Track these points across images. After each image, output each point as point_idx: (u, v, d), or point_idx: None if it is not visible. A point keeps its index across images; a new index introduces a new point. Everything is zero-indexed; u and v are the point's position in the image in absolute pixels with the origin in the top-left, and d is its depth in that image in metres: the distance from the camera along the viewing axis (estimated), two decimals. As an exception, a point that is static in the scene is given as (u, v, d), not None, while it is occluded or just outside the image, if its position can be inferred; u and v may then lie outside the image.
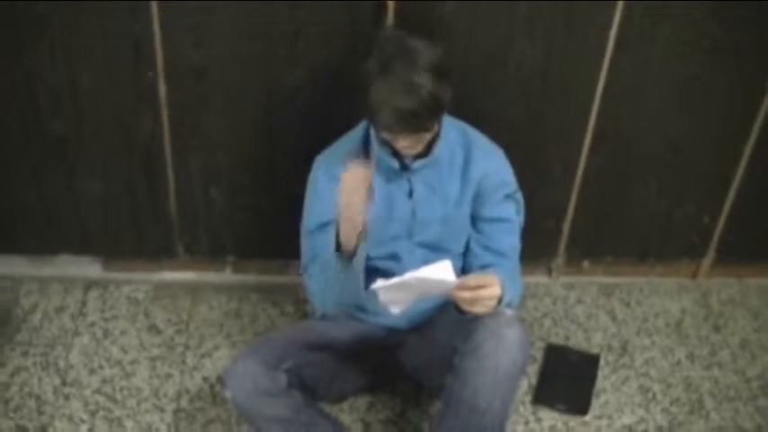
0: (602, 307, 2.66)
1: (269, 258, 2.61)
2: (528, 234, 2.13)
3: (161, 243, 2.55)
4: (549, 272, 2.72)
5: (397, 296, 1.83)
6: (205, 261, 2.61)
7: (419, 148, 1.91)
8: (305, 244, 2.06)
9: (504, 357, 1.85)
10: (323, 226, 2.00)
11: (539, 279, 2.70)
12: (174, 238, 2.54)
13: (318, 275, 1.99)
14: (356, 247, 1.82)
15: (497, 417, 1.89)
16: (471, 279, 1.81)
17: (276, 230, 2.48)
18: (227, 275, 2.63)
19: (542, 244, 2.63)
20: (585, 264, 2.71)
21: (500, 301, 1.84)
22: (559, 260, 2.69)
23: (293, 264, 2.57)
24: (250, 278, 2.63)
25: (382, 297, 1.82)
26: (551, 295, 2.69)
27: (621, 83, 2.32)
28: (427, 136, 1.89)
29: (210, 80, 2.26)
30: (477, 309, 1.81)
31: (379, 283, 1.77)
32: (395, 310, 1.86)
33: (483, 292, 1.80)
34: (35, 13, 2.13)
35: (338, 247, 1.85)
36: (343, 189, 1.76)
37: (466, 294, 1.79)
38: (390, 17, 2.17)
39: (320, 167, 2.05)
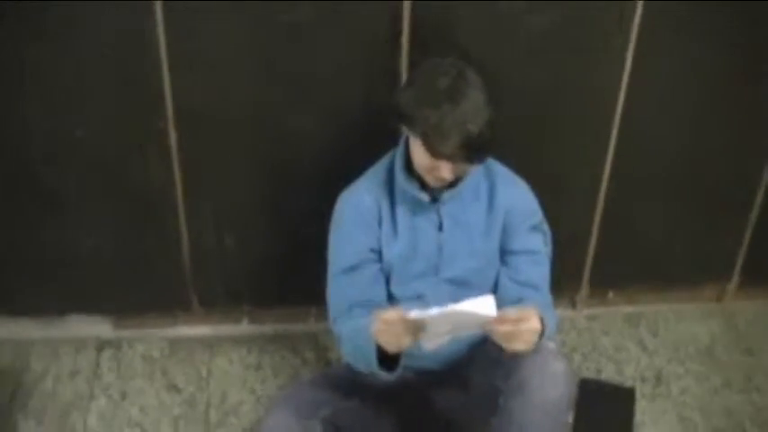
0: (631, 337, 2.60)
1: (286, 306, 2.53)
2: (552, 267, 2.06)
3: (175, 296, 2.47)
4: (574, 304, 2.66)
5: (432, 330, 1.75)
6: (221, 313, 2.53)
7: (455, 178, 1.86)
8: (334, 290, 1.99)
9: (551, 393, 1.79)
10: (352, 269, 1.94)
11: (563, 312, 2.63)
12: (189, 290, 2.46)
13: (350, 334, 1.91)
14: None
15: (549, 456, 1.82)
16: (510, 313, 1.73)
17: (293, 277, 2.44)
18: (244, 327, 2.55)
19: (565, 276, 2.56)
20: (610, 294, 2.66)
21: (540, 335, 1.77)
22: (583, 292, 2.64)
23: (312, 311, 2.53)
24: (268, 328, 2.55)
25: None
26: (576, 328, 2.63)
27: (642, 99, 2.29)
28: (470, 168, 1.86)
29: (222, 124, 2.21)
30: (517, 345, 1.72)
31: (416, 313, 1.69)
32: (427, 345, 1.77)
33: (522, 327, 1.72)
34: (38, 57, 2.07)
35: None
36: (382, 335, 1.72)
37: (506, 328, 1.71)
38: (406, 44, 2.13)
39: (346, 205, 1.99)
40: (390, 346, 1.74)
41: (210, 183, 2.31)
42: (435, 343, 1.77)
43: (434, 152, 1.77)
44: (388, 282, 1.98)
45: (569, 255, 2.52)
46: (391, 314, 1.72)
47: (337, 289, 1.98)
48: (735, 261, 2.65)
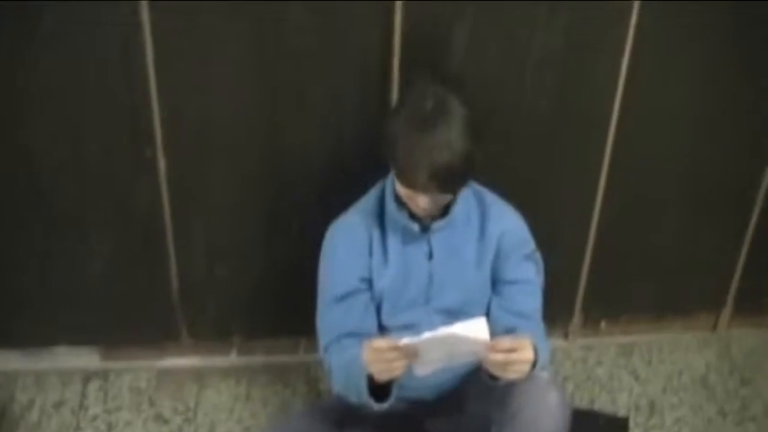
0: (624, 367, 2.57)
1: (276, 337, 2.49)
2: (543, 296, 2.03)
3: (163, 327, 2.43)
4: (566, 335, 2.63)
5: (425, 356, 1.71)
6: (210, 344, 2.48)
7: (435, 210, 1.85)
8: (324, 320, 1.96)
9: (546, 423, 1.77)
10: (343, 298, 1.92)
11: (555, 342, 2.59)
12: (177, 320, 2.42)
13: (341, 364, 1.88)
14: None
15: (543, 489, 1.78)
16: (504, 341, 1.71)
17: (283, 308, 2.40)
18: (233, 358, 2.51)
19: (557, 306, 2.51)
20: (603, 324, 2.63)
21: (533, 365, 1.74)
22: (576, 322, 2.61)
23: (302, 342, 2.49)
24: (258, 359, 2.51)
25: None
26: (570, 358, 2.59)
27: (635, 115, 2.24)
28: (448, 198, 1.83)
29: (212, 145, 2.17)
30: (509, 374, 1.70)
31: (406, 340, 1.66)
32: (420, 370, 1.74)
33: (515, 356, 1.69)
34: (31, 86, 2.05)
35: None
36: (373, 364, 1.70)
37: (499, 357, 1.69)
38: (397, 58, 2.09)
39: (337, 235, 1.97)
40: (382, 374, 1.70)
41: (200, 212, 2.27)
42: (428, 370, 1.74)
43: (404, 181, 1.76)
44: (378, 311, 1.95)
45: (561, 284, 2.48)
46: (382, 342, 1.69)
47: (327, 318, 1.95)
48: (728, 289, 2.61)
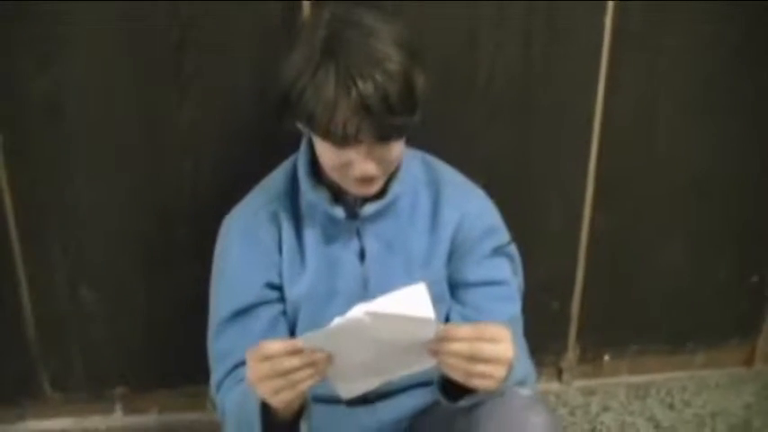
0: (639, 413, 2.06)
1: (173, 388, 2.01)
2: (525, 322, 1.55)
3: (19, 379, 1.96)
4: (560, 374, 2.15)
5: (344, 362, 1.16)
6: (84, 400, 2.00)
7: (381, 173, 1.35)
8: (216, 346, 1.47)
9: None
10: (241, 313, 1.43)
11: (547, 385, 2.13)
12: (37, 370, 1.95)
13: (236, 400, 1.39)
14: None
15: None
16: (464, 327, 1.17)
17: (180, 348, 1.92)
18: (116, 417, 2.03)
19: (545, 336, 2.09)
20: (606, 358, 2.16)
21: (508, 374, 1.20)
22: (570, 356, 2.14)
23: (207, 393, 1.93)
24: (149, 419, 2.03)
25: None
26: (567, 405, 2.09)
27: (623, 100, 1.90)
28: (394, 151, 1.33)
29: (66, 124, 1.73)
30: (476, 380, 1.16)
31: (308, 335, 1.13)
32: (343, 389, 1.22)
33: (486, 348, 1.15)
34: None
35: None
36: (263, 384, 1.18)
37: (460, 347, 1.14)
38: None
39: (232, 229, 1.49)
40: (280, 395, 1.17)
41: (56, 222, 1.83)
42: (356, 386, 1.22)
43: (327, 134, 1.27)
44: (293, 330, 1.46)
45: (548, 305, 2.08)
46: (273, 345, 1.15)
47: (220, 343, 1.45)
48: (764, 307, 2.16)
